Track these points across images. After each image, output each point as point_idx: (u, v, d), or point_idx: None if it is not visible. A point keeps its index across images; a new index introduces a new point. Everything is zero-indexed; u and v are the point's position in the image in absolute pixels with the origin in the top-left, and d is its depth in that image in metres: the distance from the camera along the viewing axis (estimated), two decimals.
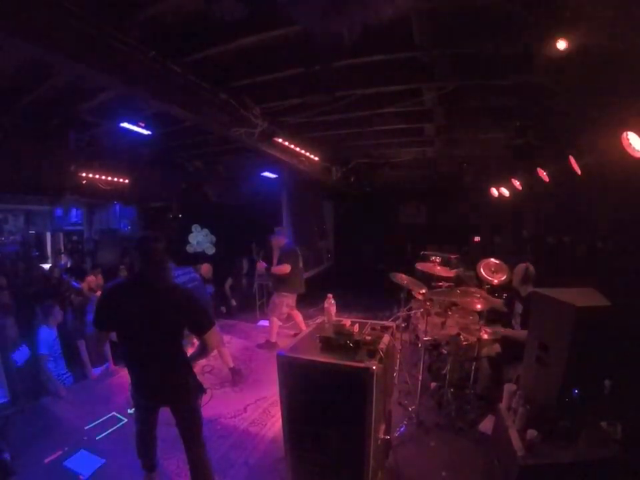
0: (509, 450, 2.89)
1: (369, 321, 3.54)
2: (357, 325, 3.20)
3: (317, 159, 6.60)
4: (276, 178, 9.04)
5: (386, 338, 3.16)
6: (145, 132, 5.07)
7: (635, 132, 3.48)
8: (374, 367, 2.66)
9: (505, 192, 7.47)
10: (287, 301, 6.52)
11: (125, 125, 4.80)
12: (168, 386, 2.90)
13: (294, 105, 4.70)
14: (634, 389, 3.36)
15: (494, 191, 7.91)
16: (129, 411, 4.33)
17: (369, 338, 3.06)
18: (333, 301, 3.46)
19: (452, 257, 6.95)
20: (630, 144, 3.56)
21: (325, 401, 2.85)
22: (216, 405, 4.61)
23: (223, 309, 8.46)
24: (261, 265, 6.65)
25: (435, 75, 4.14)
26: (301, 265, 6.67)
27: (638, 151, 3.52)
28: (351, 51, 3.77)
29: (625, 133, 3.56)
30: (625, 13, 2.85)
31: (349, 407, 2.79)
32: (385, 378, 3.03)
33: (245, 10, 3.12)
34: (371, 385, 2.67)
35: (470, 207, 9.46)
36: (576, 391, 2.85)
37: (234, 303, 8.92)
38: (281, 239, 6.61)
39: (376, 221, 11.09)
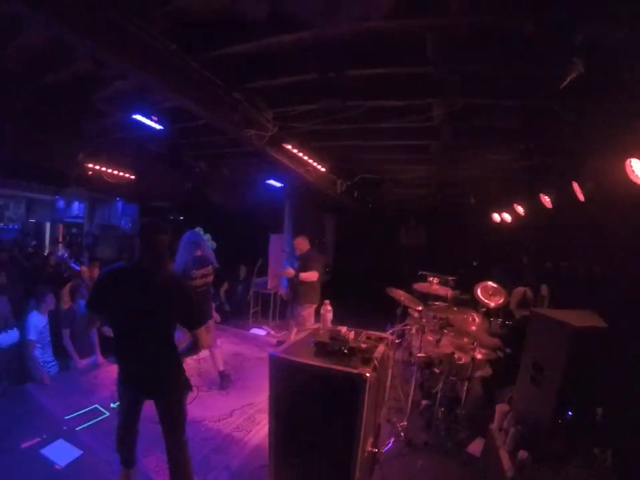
0: (499, 470, 2.86)
1: (365, 331, 3.50)
2: (352, 333, 3.17)
3: (323, 169, 6.61)
4: (280, 187, 9.05)
5: (381, 347, 3.13)
6: (157, 126, 5.04)
7: (639, 159, 3.48)
8: (367, 374, 2.63)
9: (507, 217, 7.49)
10: (312, 312, 6.15)
11: (138, 117, 4.78)
12: (156, 377, 2.87)
13: (305, 111, 4.72)
14: (625, 417, 3.32)
15: (496, 216, 7.95)
16: (112, 405, 4.31)
17: (364, 346, 3.03)
18: (329, 308, 3.43)
19: (449, 278, 6.94)
20: (634, 171, 3.57)
21: (315, 407, 2.82)
22: (201, 408, 4.55)
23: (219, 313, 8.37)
24: (290, 272, 6.08)
25: (445, 92, 4.16)
26: (322, 273, 6.42)
27: None
28: (364, 61, 3.81)
29: (629, 160, 3.57)
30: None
31: (339, 415, 2.75)
32: (377, 388, 2.99)
33: (266, 10, 3.16)
34: (363, 392, 2.63)
35: (470, 231, 9.48)
36: (569, 413, 2.82)
37: (227, 308, 8.88)
38: (304, 244, 6.31)
39: (376, 240, 11.07)
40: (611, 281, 4.78)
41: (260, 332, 7.99)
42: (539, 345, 3.17)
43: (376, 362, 2.85)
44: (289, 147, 5.38)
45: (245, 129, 4.61)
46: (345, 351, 2.93)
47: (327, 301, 3.48)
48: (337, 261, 11.71)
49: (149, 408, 3.00)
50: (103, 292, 2.81)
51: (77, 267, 6.89)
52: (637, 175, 3.55)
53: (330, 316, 3.41)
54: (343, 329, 3.11)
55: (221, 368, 5.32)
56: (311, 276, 5.98)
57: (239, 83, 4.25)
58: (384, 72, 3.99)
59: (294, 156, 5.72)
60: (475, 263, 9.25)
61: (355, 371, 2.66)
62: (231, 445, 4.05)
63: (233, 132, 4.82)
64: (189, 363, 4.37)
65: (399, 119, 4.89)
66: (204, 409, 4.60)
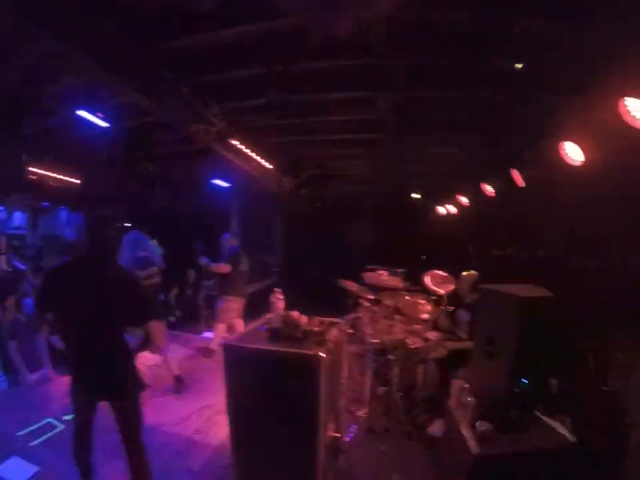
0: (462, 444, 2.89)
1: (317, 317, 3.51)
2: (305, 318, 3.19)
3: (270, 166, 6.63)
4: (228, 189, 9.01)
5: (334, 331, 3.16)
6: (103, 124, 4.90)
7: (571, 141, 3.67)
8: (322, 355, 2.66)
9: (452, 209, 7.70)
10: (232, 306, 6.42)
11: (82, 113, 4.62)
12: (109, 376, 2.81)
13: (252, 106, 4.71)
14: (579, 387, 3.48)
15: (442, 209, 8.16)
16: (66, 417, 4.11)
17: (317, 329, 3.06)
18: (281, 296, 3.42)
19: (398, 270, 6.99)
20: (567, 153, 3.75)
21: (273, 394, 2.81)
22: (158, 413, 4.42)
23: (173, 318, 8.20)
24: (203, 260, 6.61)
25: (389, 84, 4.24)
26: (243, 269, 6.63)
27: (573, 159, 3.70)
28: (311, 54, 3.84)
29: (562, 143, 3.76)
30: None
31: (297, 399, 2.76)
32: (333, 371, 3.00)
33: (215, 3, 3.14)
34: (319, 373, 2.65)
35: (419, 224, 9.69)
36: (525, 381, 2.90)
37: (178, 313, 8.73)
38: (230, 241, 6.71)
39: (325, 238, 11.04)
40: (554, 262, 4.95)
41: (212, 335, 7.82)
42: (490, 319, 3.26)
43: (330, 344, 2.88)
44: (236, 142, 5.35)
45: (192, 123, 4.55)
46: (299, 334, 2.95)
47: (278, 289, 3.47)
48: (287, 261, 11.63)
49: (103, 417, 2.92)
50: (51, 289, 2.76)
51: (22, 266, 6.56)
52: (570, 157, 3.74)
53: (281, 304, 3.40)
54: (295, 314, 3.13)
55: (176, 372, 5.24)
56: (222, 268, 6.33)
57: (186, 76, 4.18)
58: (329, 65, 4.04)
59: (241, 152, 5.70)
60: (423, 257, 9.33)
61: (310, 352, 2.69)
62: (192, 448, 3.99)
63: (180, 127, 4.75)
64: (142, 370, 4.25)
65: (345, 112, 4.96)
66: (161, 414, 4.48)
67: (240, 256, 6.59)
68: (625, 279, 3.88)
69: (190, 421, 4.49)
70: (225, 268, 6.29)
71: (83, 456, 2.97)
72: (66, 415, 4.12)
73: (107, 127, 5.08)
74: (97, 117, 4.76)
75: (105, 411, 2.89)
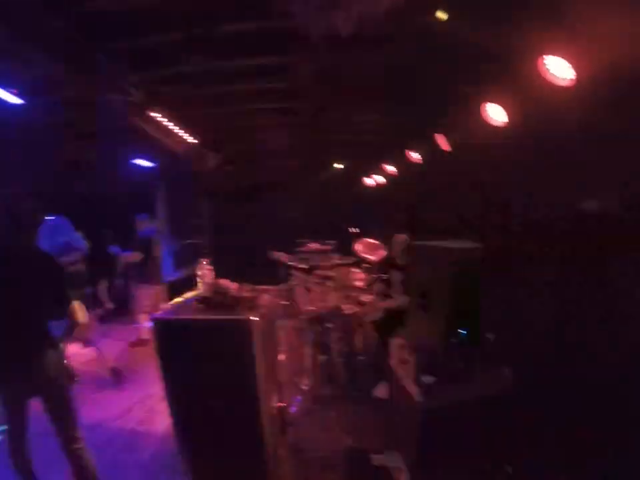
0: (408, 400, 2.93)
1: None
2: (234, 285, 3.12)
3: (193, 140, 6.48)
4: (152, 171, 8.65)
5: (266, 296, 3.13)
6: (18, 100, 4.41)
7: (493, 102, 3.74)
8: (253, 318, 2.61)
9: (381, 179, 7.79)
10: (147, 294, 6.22)
11: None
12: (37, 367, 2.62)
13: (171, 75, 4.51)
14: (516, 339, 3.63)
15: (370, 179, 8.25)
16: (2, 428, 3.82)
17: (248, 295, 3.00)
18: (208, 267, 3.33)
19: (329, 242, 7.01)
20: (489, 115, 3.83)
21: (209, 366, 2.73)
22: (98, 409, 4.31)
23: (101, 311, 7.82)
24: (113, 249, 6.37)
25: (309, 48, 4.14)
26: (156, 254, 6.43)
27: (496, 120, 3.78)
28: (231, 17, 3.68)
29: (484, 104, 3.82)
30: None
31: (233, 368, 2.70)
32: (267, 337, 2.95)
33: None
34: (252, 337, 2.60)
35: (348, 196, 9.80)
36: (462, 332, 2.97)
37: (110, 305, 8.31)
38: (145, 223, 6.51)
39: (254, 216, 10.90)
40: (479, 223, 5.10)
41: (146, 324, 7.59)
42: (423, 274, 3.31)
43: (262, 309, 2.84)
44: (157, 115, 5.13)
45: (109, 94, 4.27)
46: (229, 301, 2.88)
47: (205, 260, 3.38)
48: (215, 242, 11.39)
49: (40, 422, 2.73)
50: None
51: None
52: (492, 118, 3.81)
53: (210, 274, 3.32)
54: (225, 282, 3.07)
55: (111, 364, 5.11)
56: (131, 257, 6.13)
57: (101, 42, 3.91)
58: (250, 28, 3.88)
59: (162, 125, 5.48)
60: (354, 230, 9.42)
61: (241, 317, 2.64)
62: (138, 440, 3.88)
63: (96, 99, 4.44)
64: (76, 367, 4.04)
65: (267, 79, 4.89)
66: (102, 410, 4.36)
67: (152, 241, 6.35)
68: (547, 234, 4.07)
69: (132, 413, 4.38)
70: (134, 257, 6.04)
71: (22, 464, 2.79)
72: (1, 425, 3.87)
73: (20, 107, 4.61)
74: (12, 93, 4.31)
75: (40, 414, 2.72)
